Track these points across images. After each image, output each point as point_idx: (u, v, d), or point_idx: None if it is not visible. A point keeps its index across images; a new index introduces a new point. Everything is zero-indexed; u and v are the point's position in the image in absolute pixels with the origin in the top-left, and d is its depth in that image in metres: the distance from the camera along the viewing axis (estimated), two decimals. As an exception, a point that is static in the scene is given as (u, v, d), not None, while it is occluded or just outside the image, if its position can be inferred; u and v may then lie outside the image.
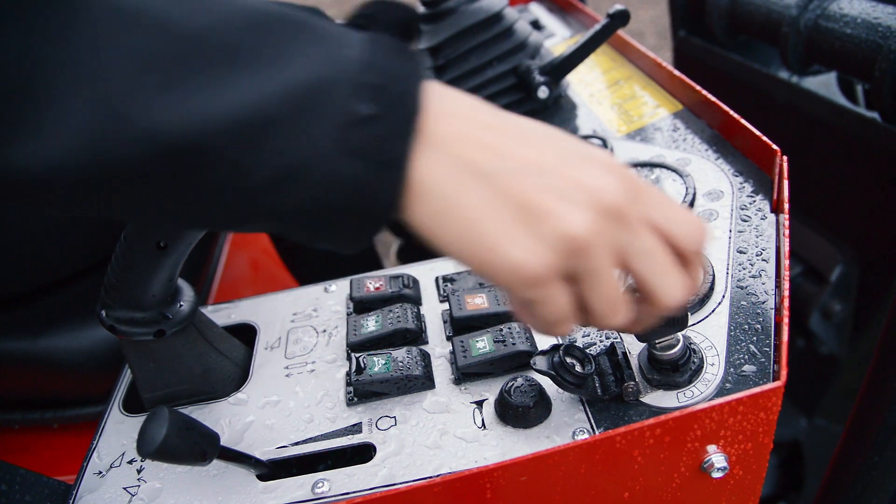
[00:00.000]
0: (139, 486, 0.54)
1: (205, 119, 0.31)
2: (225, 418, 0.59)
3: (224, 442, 0.50)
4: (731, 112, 0.71)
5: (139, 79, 0.31)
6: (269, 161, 0.33)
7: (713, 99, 0.74)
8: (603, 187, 0.36)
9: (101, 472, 0.56)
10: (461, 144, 0.35)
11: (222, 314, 0.72)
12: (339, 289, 0.71)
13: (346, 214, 0.35)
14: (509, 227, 0.35)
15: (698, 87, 0.78)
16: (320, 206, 0.34)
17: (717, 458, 0.49)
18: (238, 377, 0.63)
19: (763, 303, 0.55)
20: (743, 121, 0.69)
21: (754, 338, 0.53)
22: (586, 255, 0.36)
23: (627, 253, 0.37)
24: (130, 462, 0.56)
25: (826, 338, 1.07)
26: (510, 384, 0.53)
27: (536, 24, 1.24)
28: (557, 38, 1.17)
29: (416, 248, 1.73)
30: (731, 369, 0.52)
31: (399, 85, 0.34)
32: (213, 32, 0.32)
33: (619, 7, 0.84)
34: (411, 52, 0.36)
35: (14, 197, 0.33)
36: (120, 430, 0.60)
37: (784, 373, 0.47)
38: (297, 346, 0.65)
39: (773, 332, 0.53)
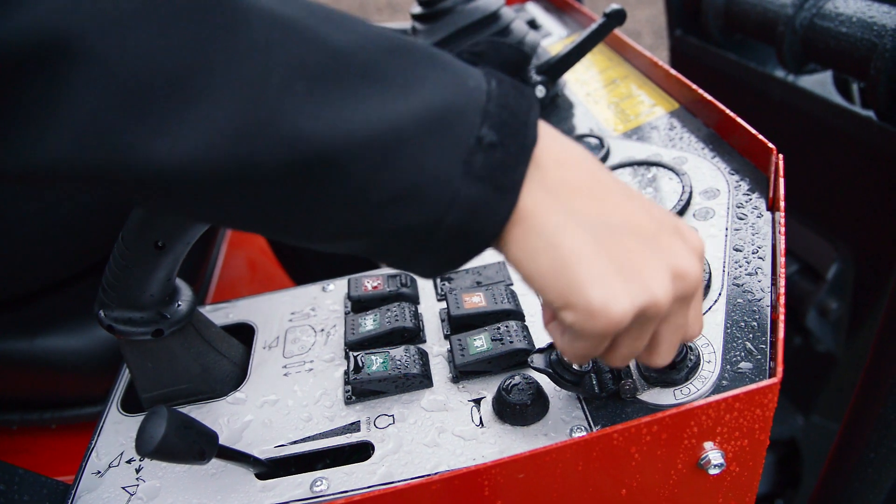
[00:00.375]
0: (138, 485, 0.54)
1: (347, 132, 0.33)
2: (223, 417, 0.59)
3: (223, 441, 0.50)
4: (727, 111, 0.71)
5: (291, 86, 0.32)
6: (396, 178, 0.34)
7: (709, 98, 0.75)
8: (688, 269, 0.40)
9: (99, 472, 0.56)
10: (568, 189, 0.38)
11: (220, 314, 0.72)
12: (337, 288, 0.72)
13: (455, 236, 0.36)
14: (603, 274, 0.37)
15: (694, 86, 0.78)
16: (433, 226, 0.35)
17: (713, 455, 0.49)
18: (236, 376, 0.63)
19: (759, 300, 0.56)
20: (739, 119, 0.69)
21: (750, 335, 0.53)
22: (650, 318, 0.40)
23: (667, 322, 0.42)
24: (129, 462, 0.56)
25: (822, 335, 1.08)
26: (508, 382, 0.53)
27: (533, 24, 1.25)
28: (554, 38, 1.17)
29: None
30: (728, 366, 0.52)
31: (518, 117, 0.36)
32: (360, 50, 0.34)
33: (615, 6, 0.84)
34: (526, 89, 0.38)
35: (142, 190, 0.33)
36: (118, 430, 0.60)
37: (780, 370, 0.47)
38: (295, 346, 0.65)
39: (769, 330, 0.53)
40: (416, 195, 0.35)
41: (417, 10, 0.94)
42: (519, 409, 0.52)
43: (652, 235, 0.39)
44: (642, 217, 0.39)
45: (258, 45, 0.32)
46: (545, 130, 0.39)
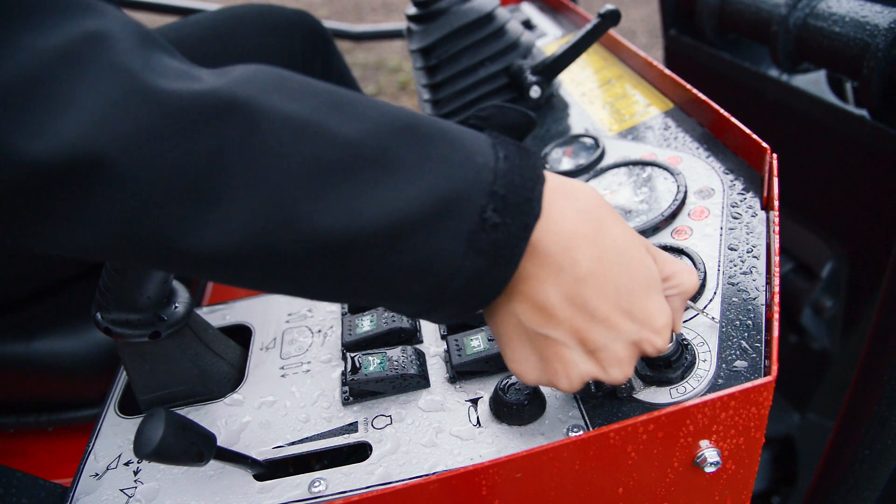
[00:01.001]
0: (136, 487, 0.54)
1: (359, 224, 0.35)
2: (221, 419, 0.59)
3: (220, 442, 0.50)
4: (722, 111, 0.71)
5: (305, 186, 0.35)
6: (406, 258, 0.37)
7: (704, 98, 0.75)
8: (614, 361, 0.44)
9: (97, 474, 0.56)
10: (563, 267, 0.40)
11: (217, 315, 0.72)
12: (334, 289, 0.72)
13: (458, 299, 0.40)
14: (522, 359, 0.45)
15: (689, 86, 0.78)
16: (439, 292, 0.39)
17: (709, 453, 0.49)
18: (234, 378, 0.63)
19: (754, 299, 0.56)
20: (733, 119, 0.69)
21: (745, 334, 0.54)
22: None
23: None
24: (127, 464, 0.57)
25: (817, 333, 1.08)
26: (505, 382, 0.54)
27: (528, 24, 1.25)
28: (549, 38, 1.18)
29: None
30: (723, 365, 0.52)
31: (523, 193, 0.38)
32: (369, 138, 0.36)
33: (609, 7, 0.84)
34: (533, 156, 0.40)
35: (182, 268, 0.37)
36: (116, 432, 0.60)
37: (775, 368, 0.47)
38: (292, 347, 0.65)
39: (763, 328, 0.53)
40: (423, 270, 0.37)
41: (412, 10, 0.95)
42: (516, 408, 0.52)
43: (604, 318, 0.42)
44: (610, 303, 0.42)
45: (271, 149, 0.34)
46: (550, 196, 0.40)
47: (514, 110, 0.42)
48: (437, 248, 0.37)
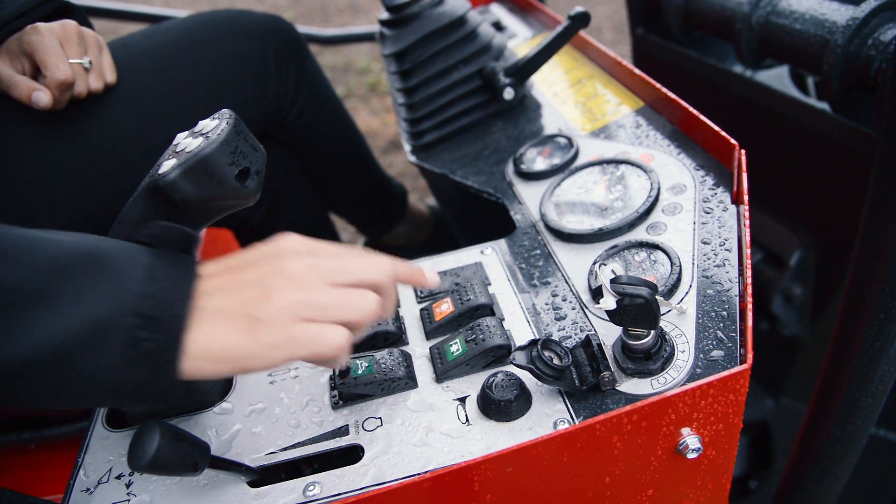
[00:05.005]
0: (129, 500, 0.54)
1: (20, 355, 0.41)
2: (211, 428, 0.59)
3: (213, 451, 0.51)
4: (691, 109, 0.74)
5: None
6: (78, 373, 0.43)
7: (674, 97, 0.77)
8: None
9: (89, 489, 0.56)
10: (222, 359, 0.46)
11: (201, 325, 0.72)
12: (318, 295, 0.72)
13: (136, 401, 0.46)
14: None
15: (658, 85, 0.80)
16: (116, 396, 0.45)
17: (691, 440, 0.51)
18: (222, 386, 0.63)
19: (728, 290, 0.58)
20: (703, 117, 0.72)
21: (721, 324, 0.56)
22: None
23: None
24: (118, 477, 0.57)
25: (788, 320, 1.11)
26: (491, 380, 0.55)
27: (498, 25, 1.26)
28: (520, 39, 1.19)
29: (383, 247, 1.73)
30: (701, 355, 0.54)
31: (171, 310, 0.45)
32: (24, 282, 0.42)
33: (579, 9, 0.86)
34: (185, 274, 0.47)
35: None
36: (105, 446, 0.60)
37: (750, 356, 0.50)
38: (279, 354, 0.66)
39: (738, 318, 0.55)
40: (98, 382, 0.43)
41: (385, 15, 0.95)
42: (503, 405, 0.54)
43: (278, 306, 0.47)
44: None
45: None
46: (198, 314, 0.46)
47: (178, 229, 0.50)
48: (97, 364, 0.43)
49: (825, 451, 0.76)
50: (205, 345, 0.45)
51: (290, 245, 0.50)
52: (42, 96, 0.78)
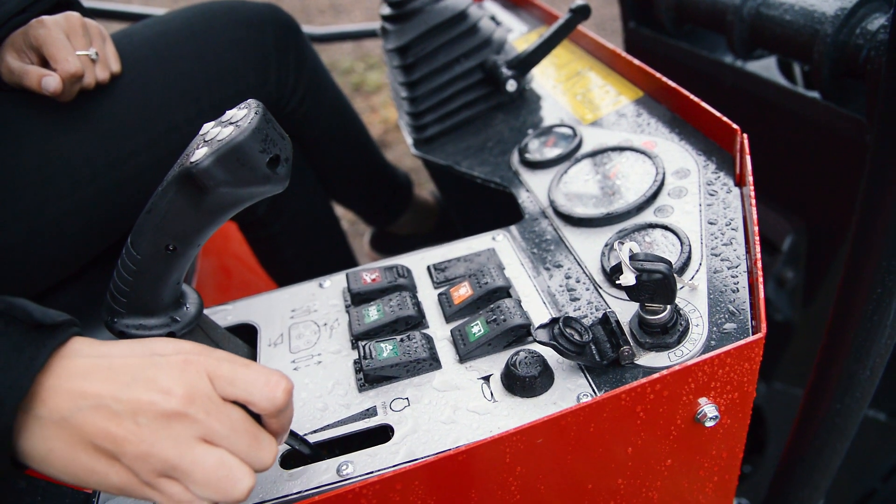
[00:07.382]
0: (163, 484, 0.55)
1: None
2: (240, 413, 0.60)
3: None
4: (693, 97, 0.76)
5: None
6: None
7: (674, 85, 0.80)
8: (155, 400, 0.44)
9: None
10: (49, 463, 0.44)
11: (219, 316, 0.73)
12: (334, 283, 0.74)
13: None
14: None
15: (658, 74, 0.83)
16: None
17: (709, 409, 0.54)
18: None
19: (737, 266, 0.61)
20: (704, 104, 0.74)
21: (732, 298, 0.58)
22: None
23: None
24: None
25: (780, 305, 1.15)
26: (514, 358, 0.57)
27: (494, 21, 1.28)
28: (515, 34, 1.22)
29: (389, 237, 1.72)
30: (714, 328, 0.56)
31: None
32: None
33: (580, 2, 0.88)
34: (24, 357, 0.44)
35: None
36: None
37: (764, 325, 0.52)
38: (300, 341, 0.67)
39: (748, 292, 0.58)
40: None
41: (387, 10, 0.97)
42: (528, 381, 0.56)
43: (123, 403, 0.44)
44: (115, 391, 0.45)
45: None
46: (31, 410, 0.43)
47: (16, 306, 0.47)
48: None
49: (825, 425, 0.79)
50: (32, 441, 0.44)
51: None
52: (51, 81, 0.79)
